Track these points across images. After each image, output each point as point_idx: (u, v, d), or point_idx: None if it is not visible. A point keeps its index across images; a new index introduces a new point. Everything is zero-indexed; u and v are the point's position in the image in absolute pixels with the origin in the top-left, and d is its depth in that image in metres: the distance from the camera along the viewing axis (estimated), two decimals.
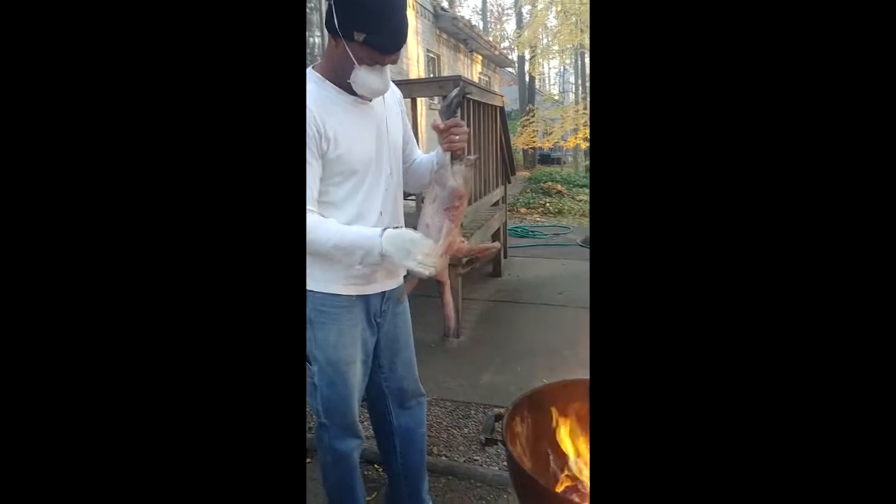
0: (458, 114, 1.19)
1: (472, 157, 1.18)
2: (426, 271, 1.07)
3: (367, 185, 1.19)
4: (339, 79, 1.13)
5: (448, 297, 1.25)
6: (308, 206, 1.09)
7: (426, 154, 1.38)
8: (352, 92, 1.14)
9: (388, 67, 1.12)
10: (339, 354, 1.23)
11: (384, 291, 1.28)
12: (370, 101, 1.18)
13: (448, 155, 1.16)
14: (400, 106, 1.30)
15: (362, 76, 1.09)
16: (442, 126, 1.15)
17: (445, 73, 9.57)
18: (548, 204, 7.48)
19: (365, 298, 1.25)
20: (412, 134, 1.34)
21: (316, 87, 1.12)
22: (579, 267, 4.33)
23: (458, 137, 1.15)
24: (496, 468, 1.81)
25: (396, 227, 1.09)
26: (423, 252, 1.07)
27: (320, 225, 1.09)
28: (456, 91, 1.18)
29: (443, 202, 1.14)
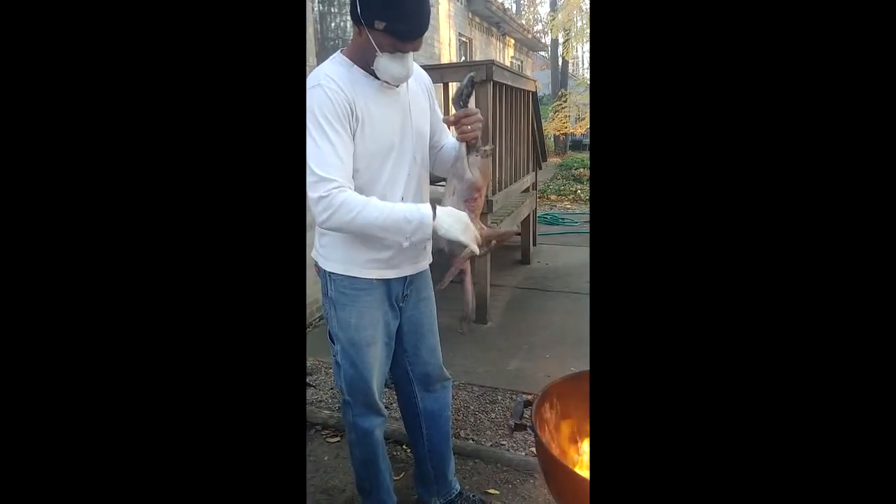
0: (471, 102, 1.20)
1: (487, 147, 1.19)
2: (479, 250, 1.12)
3: (389, 170, 1.20)
4: (365, 64, 1.14)
5: (469, 284, 1.27)
6: (344, 184, 1.10)
7: (447, 143, 1.38)
8: (375, 75, 1.15)
9: (411, 54, 1.13)
10: (359, 335, 1.26)
11: (406, 276, 1.30)
12: (396, 86, 1.19)
13: (463, 146, 1.17)
14: (427, 91, 1.30)
15: (384, 63, 1.10)
16: (452, 118, 1.17)
17: (477, 57, 9.46)
18: (579, 191, 7.39)
19: (386, 283, 1.27)
20: (441, 119, 1.35)
21: (346, 70, 1.14)
22: None
23: (469, 127, 1.16)
24: (522, 453, 1.83)
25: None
26: (474, 230, 1.12)
27: (367, 204, 1.10)
28: (466, 80, 1.19)
29: (461, 194, 1.16)
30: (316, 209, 1.10)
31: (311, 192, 1.09)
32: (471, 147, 1.17)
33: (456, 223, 1.11)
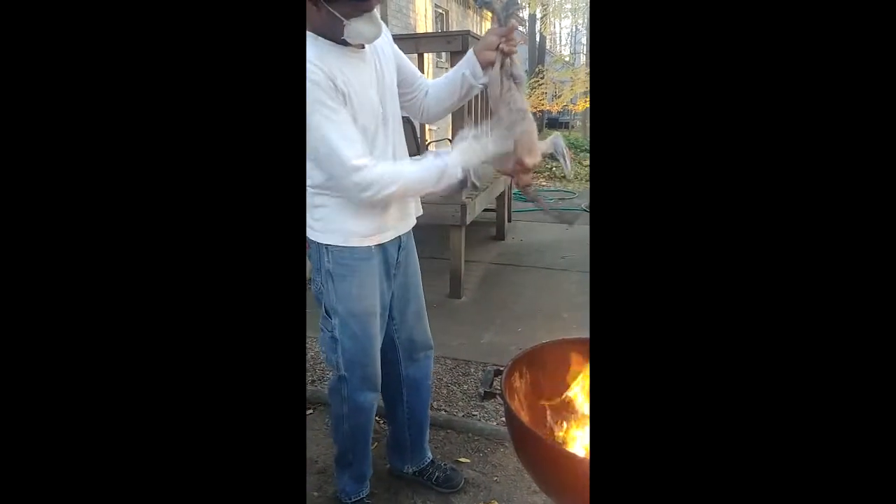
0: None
1: (518, 70, 1.17)
2: (508, 143, 1.13)
3: (381, 137, 1.20)
4: (332, 36, 1.12)
5: (538, 200, 1.33)
6: (364, 160, 1.10)
7: (437, 79, 1.37)
8: (344, 42, 1.12)
9: (377, 8, 1.11)
10: (361, 305, 1.25)
11: (399, 237, 1.31)
12: (363, 47, 1.17)
13: (499, 68, 1.14)
14: (387, 38, 1.26)
15: (355, 28, 1.08)
16: (500, 37, 1.15)
17: (454, 28, 9.30)
18: (554, 168, 7.41)
19: (382, 249, 1.27)
20: (409, 62, 1.32)
21: (313, 45, 1.11)
22: (583, 232, 4.33)
23: (514, 42, 1.17)
24: (494, 423, 1.87)
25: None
26: (491, 137, 1.14)
27: (396, 175, 1.14)
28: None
29: (510, 126, 1.14)
30: (361, 195, 1.13)
31: (348, 183, 1.11)
32: (505, 69, 1.15)
33: (471, 151, 1.13)
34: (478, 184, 1.18)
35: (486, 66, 1.19)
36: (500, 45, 1.16)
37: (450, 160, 1.14)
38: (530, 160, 1.16)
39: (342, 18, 1.07)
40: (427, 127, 4.15)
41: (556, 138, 1.22)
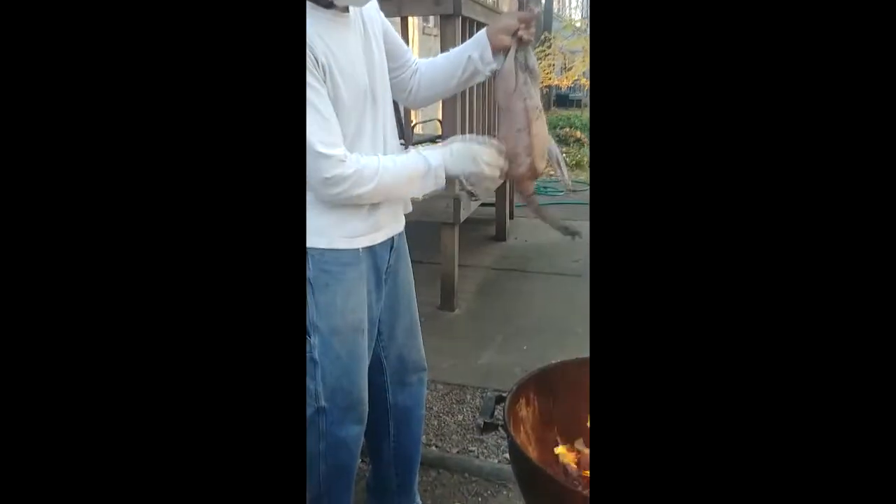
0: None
1: (534, 63, 1.21)
2: (494, 173, 1.18)
3: (370, 118, 1.20)
4: None
5: (540, 211, 1.35)
6: (339, 150, 1.11)
7: (433, 58, 1.38)
8: (328, 4, 1.11)
9: None
10: (346, 320, 1.23)
11: (392, 238, 1.31)
12: (347, 11, 1.16)
13: (513, 58, 1.18)
14: (375, 7, 1.27)
15: None
16: (520, 21, 1.18)
17: None
18: (564, 154, 7.45)
19: (372, 251, 1.26)
20: (394, 32, 1.33)
21: None
22: None
23: (533, 31, 1.21)
24: (495, 460, 1.86)
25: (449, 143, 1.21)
26: (488, 154, 1.17)
27: (378, 171, 1.14)
28: None
29: (520, 122, 1.18)
30: (325, 191, 1.13)
31: (314, 173, 1.09)
32: (518, 61, 1.18)
33: (462, 159, 1.17)
34: (475, 192, 1.20)
35: (499, 51, 1.21)
36: (519, 31, 1.18)
37: (434, 161, 1.16)
38: (542, 164, 1.21)
39: None
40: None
41: (551, 145, 1.27)
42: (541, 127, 1.20)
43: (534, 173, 1.22)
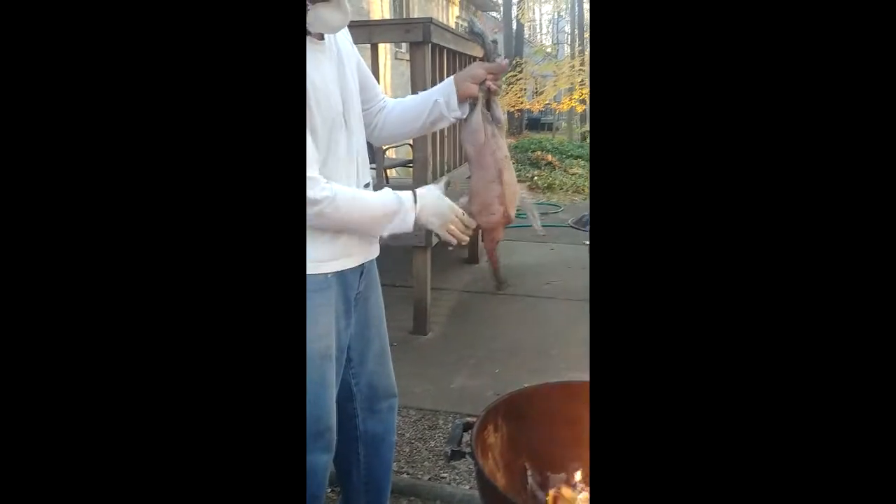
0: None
1: (500, 113, 1.25)
2: (461, 241, 1.20)
3: (344, 144, 1.21)
4: None
5: (495, 260, 1.39)
6: (320, 178, 1.11)
7: (403, 98, 1.39)
8: (308, 32, 1.13)
9: None
10: (314, 347, 1.21)
11: (362, 265, 1.30)
12: (323, 39, 1.17)
13: (480, 110, 1.21)
14: (346, 35, 1.29)
15: (322, 14, 1.10)
16: (490, 73, 1.21)
17: (415, 14, 9.43)
18: (536, 178, 7.53)
19: (342, 277, 1.25)
20: (365, 65, 1.35)
21: None
22: (571, 252, 4.39)
23: (500, 82, 1.24)
24: (467, 487, 1.84)
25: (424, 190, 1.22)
26: (458, 216, 1.19)
27: (351, 200, 1.14)
28: (480, 29, 1.29)
29: (490, 177, 1.21)
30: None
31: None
32: (484, 113, 1.22)
33: (436, 216, 1.18)
34: (448, 240, 1.22)
35: (464, 98, 1.24)
36: (487, 82, 1.21)
37: (407, 203, 1.17)
38: (513, 211, 1.24)
39: (307, 2, 1.07)
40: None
41: (522, 195, 1.32)
42: (511, 175, 1.24)
43: (507, 220, 1.24)
